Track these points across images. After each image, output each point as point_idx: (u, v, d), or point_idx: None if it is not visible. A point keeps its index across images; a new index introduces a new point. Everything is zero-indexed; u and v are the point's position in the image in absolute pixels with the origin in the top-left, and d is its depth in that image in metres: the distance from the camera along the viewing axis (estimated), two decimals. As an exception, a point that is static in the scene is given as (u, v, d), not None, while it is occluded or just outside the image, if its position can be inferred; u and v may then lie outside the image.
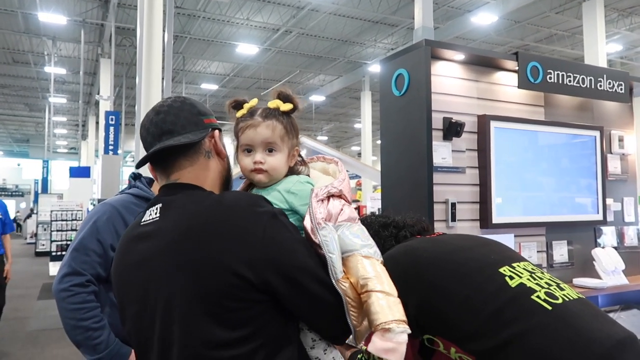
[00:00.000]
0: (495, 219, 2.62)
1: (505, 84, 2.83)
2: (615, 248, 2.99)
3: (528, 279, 1.30)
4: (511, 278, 1.29)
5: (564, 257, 2.86)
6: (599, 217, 2.99)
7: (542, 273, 1.37)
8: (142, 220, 1.25)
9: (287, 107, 1.32)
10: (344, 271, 1.17)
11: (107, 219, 1.85)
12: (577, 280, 2.76)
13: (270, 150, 1.28)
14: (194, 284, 1.08)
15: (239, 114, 1.34)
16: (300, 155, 1.38)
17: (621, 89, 3.07)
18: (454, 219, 2.52)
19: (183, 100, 1.30)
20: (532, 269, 1.38)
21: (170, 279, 1.12)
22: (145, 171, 1.61)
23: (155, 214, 1.21)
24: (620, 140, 3.15)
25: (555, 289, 1.29)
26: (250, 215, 1.12)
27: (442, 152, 2.53)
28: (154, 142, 1.24)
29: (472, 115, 2.68)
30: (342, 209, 1.24)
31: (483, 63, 2.77)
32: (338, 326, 1.17)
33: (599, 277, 2.78)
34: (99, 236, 1.82)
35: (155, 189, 1.91)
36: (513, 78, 2.80)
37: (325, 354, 1.25)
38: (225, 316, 1.07)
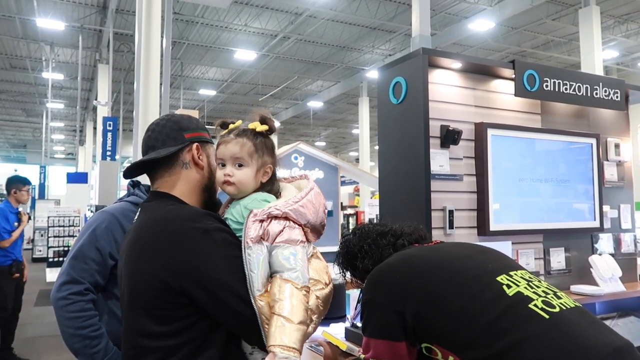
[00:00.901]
0: (493, 226, 2.63)
1: (502, 92, 2.84)
2: (612, 255, 3.00)
3: (525, 288, 1.31)
4: (508, 287, 1.30)
5: (561, 264, 2.87)
6: (596, 224, 3.01)
7: (539, 282, 1.38)
8: (134, 220, 1.48)
9: (262, 128, 1.46)
10: (265, 290, 1.27)
11: (106, 227, 1.85)
12: (575, 287, 2.77)
13: (240, 165, 1.42)
14: (133, 283, 1.31)
15: (222, 133, 1.49)
16: (274, 173, 1.49)
17: (617, 97, 3.09)
18: (451, 227, 2.53)
19: (169, 118, 1.49)
20: (529, 277, 1.38)
21: (126, 274, 1.35)
22: (144, 179, 1.69)
23: (137, 215, 1.44)
24: (617, 147, 3.17)
25: (552, 297, 1.30)
26: (182, 229, 1.28)
27: (439, 160, 2.54)
28: (143, 156, 1.45)
29: (469, 123, 2.70)
30: (281, 230, 1.33)
31: (480, 71, 2.78)
32: (255, 338, 1.28)
33: (596, 284, 2.79)
34: (97, 244, 1.82)
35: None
36: (510, 86, 2.82)
37: None
38: (154, 312, 1.26)
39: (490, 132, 2.69)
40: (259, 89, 21.72)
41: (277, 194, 1.47)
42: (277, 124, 1.53)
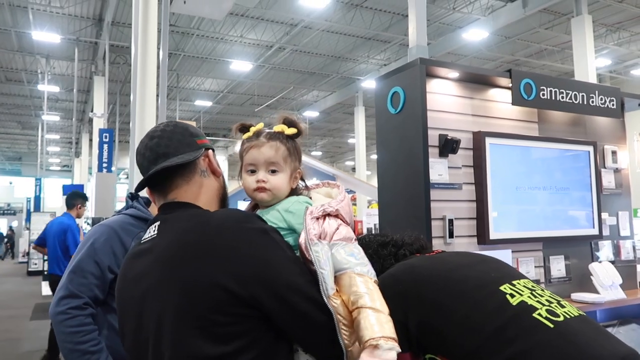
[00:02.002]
0: (493, 235, 2.63)
1: (499, 101, 2.86)
2: (612, 262, 3.00)
3: (529, 297, 1.30)
4: (512, 296, 1.29)
5: (561, 272, 2.87)
6: (595, 231, 3.01)
7: (543, 290, 1.38)
8: (143, 238, 1.29)
9: (291, 131, 1.38)
10: (336, 289, 1.17)
11: (105, 241, 1.83)
12: (575, 295, 2.76)
13: (273, 171, 1.33)
14: (184, 299, 1.11)
15: (246, 135, 1.39)
16: (302, 178, 1.42)
17: (613, 105, 3.11)
18: (451, 236, 2.53)
19: (175, 124, 1.37)
20: (532, 286, 1.38)
21: (162, 294, 1.15)
22: (143, 192, 1.63)
23: (154, 231, 1.25)
24: (614, 154, 3.18)
25: (556, 306, 1.30)
26: (238, 232, 1.15)
27: (438, 169, 2.55)
28: (150, 166, 1.29)
29: (467, 132, 2.71)
30: (337, 228, 1.26)
31: (477, 80, 2.80)
32: (329, 345, 1.16)
33: (596, 291, 2.79)
34: (96, 258, 1.81)
35: (153, 210, 1.90)
36: (507, 95, 2.83)
37: None
38: (213, 330, 1.08)
39: (488, 140, 2.70)
40: (255, 99, 21.78)
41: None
42: (303, 125, 1.44)
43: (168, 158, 1.27)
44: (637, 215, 9.47)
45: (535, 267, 2.79)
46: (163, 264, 1.17)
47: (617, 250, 3.12)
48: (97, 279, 1.80)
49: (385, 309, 1.18)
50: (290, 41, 16.03)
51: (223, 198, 1.38)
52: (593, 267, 2.84)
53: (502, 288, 1.32)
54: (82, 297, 1.76)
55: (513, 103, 2.80)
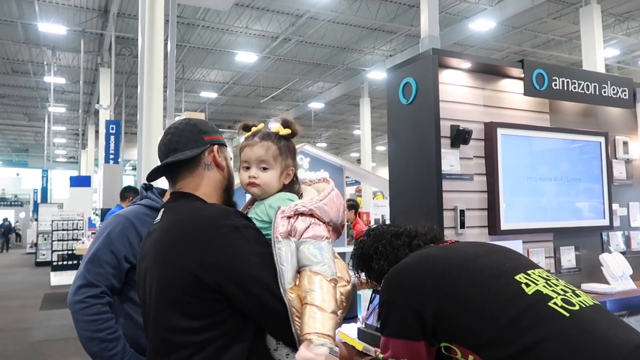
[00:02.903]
0: (504, 226, 2.63)
1: (511, 91, 2.85)
2: (623, 253, 2.99)
3: (544, 286, 1.31)
4: (527, 285, 1.30)
5: (571, 262, 2.87)
6: (606, 222, 3.01)
7: (557, 280, 1.38)
8: (155, 220, 1.50)
9: (285, 131, 1.52)
10: (295, 283, 1.31)
11: (121, 231, 1.86)
12: (586, 286, 2.77)
13: (264, 168, 1.48)
14: (163, 279, 1.32)
15: (246, 135, 1.54)
16: (295, 175, 1.55)
17: (625, 95, 3.10)
18: (463, 226, 2.53)
19: (187, 122, 1.55)
20: (547, 276, 1.39)
21: (153, 273, 1.36)
22: (157, 182, 1.75)
23: (160, 216, 1.47)
24: (625, 145, 3.17)
25: (571, 295, 1.30)
26: (213, 226, 1.32)
27: (450, 160, 2.55)
28: (164, 159, 1.50)
29: (479, 122, 2.70)
30: (308, 226, 1.38)
31: (489, 71, 2.79)
32: (284, 333, 1.30)
33: (607, 282, 2.79)
34: (112, 248, 1.83)
35: (167, 199, 1.93)
36: (518, 85, 2.82)
37: (287, 358, 1.36)
38: (184, 308, 1.28)
39: (500, 131, 2.70)
40: (260, 90, 21.75)
41: (299, 195, 1.52)
42: (298, 126, 1.57)
43: (177, 152, 1.46)
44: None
45: (545, 257, 2.80)
46: (157, 247, 1.37)
47: (627, 241, 3.11)
48: (114, 268, 1.82)
49: (330, 307, 1.29)
50: (296, 32, 15.96)
51: (227, 189, 1.54)
52: (604, 257, 2.84)
53: (517, 278, 1.33)
54: (99, 286, 1.79)
55: (525, 93, 2.79)
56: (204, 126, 1.55)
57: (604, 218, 3.01)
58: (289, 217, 1.38)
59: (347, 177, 8.65)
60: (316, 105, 23.61)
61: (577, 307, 1.25)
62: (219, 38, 16.50)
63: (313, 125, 26.31)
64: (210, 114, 24.51)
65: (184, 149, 1.47)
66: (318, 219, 1.42)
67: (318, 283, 1.30)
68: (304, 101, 23.89)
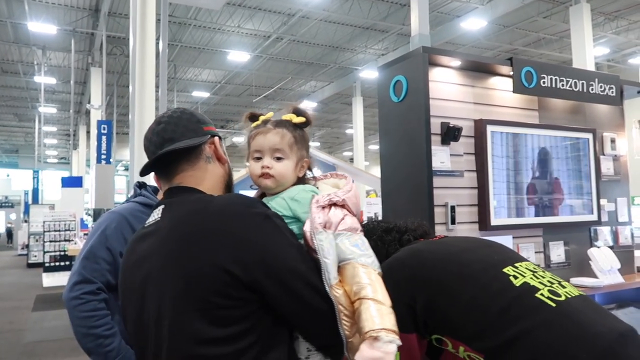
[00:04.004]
0: (494, 221, 2.67)
1: (501, 89, 2.89)
2: (611, 247, 3.05)
3: (531, 278, 1.34)
4: (515, 277, 1.33)
5: (560, 257, 2.92)
6: (594, 217, 3.06)
7: (544, 272, 1.42)
8: (147, 222, 1.31)
9: (299, 119, 1.40)
10: (339, 279, 1.18)
11: (116, 227, 1.87)
12: (574, 280, 2.81)
13: (279, 158, 1.34)
14: (187, 281, 1.11)
15: (254, 124, 1.41)
16: (309, 168, 1.43)
17: (612, 92, 3.14)
18: (453, 222, 2.57)
19: (182, 110, 1.39)
20: (534, 268, 1.42)
21: (165, 277, 1.15)
22: (150, 180, 1.67)
23: (158, 215, 1.27)
24: (613, 142, 3.22)
25: (557, 286, 1.34)
26: (242, 216, 1.16)
27: (440, 157, 2.58)
28: (157, 150, 1.30)
29: (469, 119, 2.74)
30: (343, 218, 1.27)
31: (478, 69, 2.82)
32: (329, 334, 1.17)
33: (595, 276, 2.84)
34: (108, 244, 1.84)
35: (160, 197, 1.93)
36: (508, 83, 2.86)
37: None
38: (215, 313, 1.09)
39: (490, 128, 2.73)
40: (253, 90, 21.73)
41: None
42: (311, 115, 1.45)
43: (174, 142, 1.28)
44: (634, 202, 9.56)
45: (535, 252, 2.84)
46: (167, 246, 1.17)
47: (615, 236, 3.17)
48: (109, 264, 1.83)
49: (387, 301, 1.18)
50: (288, 31, 15.97)
51: (228, 185, 1.39)
52: (592, 252, 2.88)
53: (505, 270, 1.36)
54: (95, 283, 1.80)
55: (514, 91, 2.82)
56: (200, 116, 1.40)
57: (593, 213, 3.06)
58: (322, 208, 1.26)
59: (339, 175, 8.67)
60: (309, 105, 23.64)
61: (563, 298, 1.29)
62: (211, 37, 16.48)
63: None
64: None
65: (182, 138, 1.30)
66: (348, 210, 1.32)
67: (368, 276, 1.18)
68: (296, 100, 23.89)
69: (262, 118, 1.41)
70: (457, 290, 1.33)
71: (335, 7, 14.44)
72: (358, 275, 1.17)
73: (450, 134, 2.59)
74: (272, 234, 1.16)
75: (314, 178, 1.45)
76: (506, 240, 2.69)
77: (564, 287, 1.35)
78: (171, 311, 1.12)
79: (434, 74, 2.65)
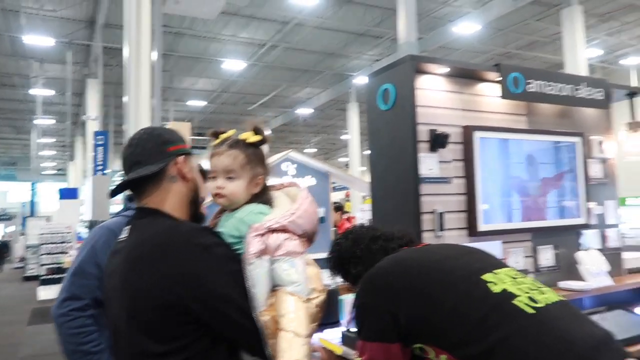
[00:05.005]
0: (483, 227, 2.69)
1: (489, 95, 2.91)
2: (599, 250, 3.06)
3: (511, 284, 1.36)
4: (494, 284, 1.35)
5: (549, 261, 2.93)
6: (583, 220, 3.08)
7: (524, 278, 1.43)
8: (120, 238, 1.44)
9: (254, 138, 1.48)
10: (270, 303, 1.29)
11: (104, 242, 1.88)
12: (563, 283, 2.83)
13: (231, 178, 1.43)
14: (132, 302, 1.27)
15: (213, 143, 1.49)
16: (265, 184, 1.50)
17: (600, 96, 3.17)
18: (442, 229, 2.59)
19: (151, 132, 1.48)
20: (515, 274, 1.43)
21: (121, 294, 1.31)
22: None
23: (126, 233, 1.41)
24: (601, 145, 3.25)
25: (537, 292, 1.35)
26: (181, 247, 1.27)
27: (428, 163, 2.60)
28: (127, 172, 1.43)
29: (457, 126, 2.76)
30: (281, 244, 1.34)
31: (466, 75, 2.85)
32: (259, 351, 1.29)
33: (584, 279, 2.86)
34: (97, 259, 1.85)
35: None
36: (496, 89, 2.88)
37: None
38: (155, 331, 1.23)
39: (478, 134, 2.76)
40: (249, 98, 21.77)
41: (270, 204, 1.48)
42: (268, 132, 1.54)
43: (140, 166, 1.39)
44: (624, 204, 9.60)
45: (524, 257, 2.86)
46: (124, 266, 1.31)
47: (603, 238, 3.18)
48: (98, 280, 1.84)
49: (303, 331, 1.28)
50: (283, 39, 16.02)
51: (193, 201, 1.47)
52: (580, 255, 2.90)
53: (484, 277, 1.37)
54: (83, 299, 1.81)
55: (502, 97, 2.84)
56: (168, 135, 1.48)
57: (581, 217, 3.08)
58: (261, 235, 1.33)
59: (333, 182, 8.69)
60: (304, 111, 23.67)
61: (541, 304, 1.30)
62: (206, 46, 16.53)
63: (302, 131, 26.37)
64: (199, 122, 24.49)
65: (147, 162, 1.40)
66: (292, 233, 1.39)
67: (294, 305, 1.28)
68: (292, 107, 23.94)
69: (221, 137, 1.49)
70: (440, 299, 1.34)
71: (329, 14, 14.50)
72: (281, 304, 1.27)
73: (437, 141, 2.62)
74: (207, 265, 1.26)
75: (268, 191, 1.52)
76: (495, 246, 2.71)
77: (543, 293, 1.36)
78: (124, 324, 1.29)
79: (422, 81, 2.68)
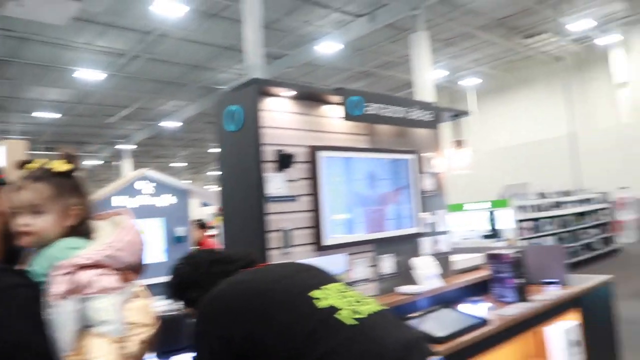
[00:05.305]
0: (328, 241, 2.86)
1: (333, 117, 3.11)
2: (433, 255, 3.43)
3: (337, 299, 1.47)
4: (321, 300, 1.45)
5: (390, 268, 3.21)
6: (418, 229, 3.43)
7: (351, 292, 1.56)
8: None
9: (64, 167, 1.36)
10: (79, 346, 1.19)
11: None
12: (399, 289, 3.12)
13: (37, 212, 1.30)
14: None
15: (19, 175, 1.35)
16: (82, 214, 1.38)
17: (429, 117, 3.57)
18: (290, 246, 2.70)
19: None
20: (342, 288, 1.55)
21: None
22: None
23: None
24: (431, 161, 3.65)
25: (360, 304, 1.48)
26: None
27: (276, 183, 2.71)
28: None
29: (303, 146, 2.91)
30: (92, 280, 1.24)
31: (312, 98, 3.02)
32: None
33: (418, 283, 3.18)
34: None
35: None
36: (339, 110, 3.09)
37: None
38: None
39: (322, 154, 2.94)
40: (108, 110, 20.44)
41: (90, 236, 1.37)
42: (81, 164, 1.42)
43: None
44: (462, 209, 10.84)
45: (368, 266, 3.10)
46: None
47: (436, 244, 3.57)
48: None
49: None
50: (146, 49, 15.34)
51: (6, 236, 1.32)
52: (414, 261, 3.23)
53: (312, 294, 1.46)
54: None
55: (345, 118, 3.06)
56: None
57: (417, 226, 3.43)
58: (68, 273, 1.22)
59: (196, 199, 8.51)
60: (172, 124, 22.87)
61: (363, 315, 1.43)
62: (58, 54, 15.19)
63: (169, 144, 25.41)
64: (50, 136, 22.36)
65: None
66: (107, 268, 1.29)
67: (102, 348, 1.19)
68: (157, 120, 22.98)
69: (27, 167, 1.35)
70: (273, 318, 1.39)
71: (194, 27, 14.24)
72: (90, 347, 1.19)
73: (284, 161, 2.74)
74: (4, 309, 1.14)
75: (89, 221, 1.40)
76: (341, 259, 2.90)
77: (367, 304, 1.50)
78: None
79: (269, 103, 2.79)
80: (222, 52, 16.45)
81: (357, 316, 1.41)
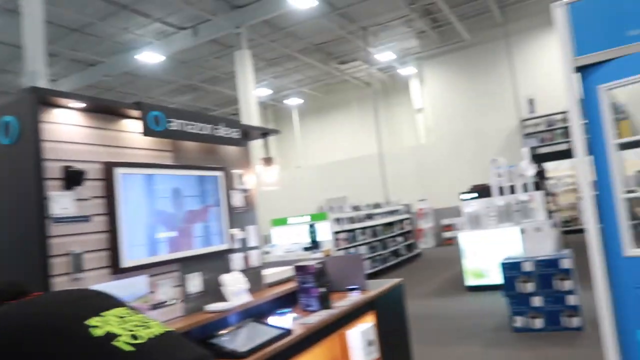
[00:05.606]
0: (127, 263, 2.68)
1: (132, 131, 2.95)
2: (244, 271, 3.46)
3: (116, 325, 1.38)
4: (98, 327, 1.35)
5: (198, 287, 3.14)
6: (228, 246, 3.43)
7: (134, 316, 1.48)
8: None
9: None
10: None
11: None
12: (208, 306, 3.07)
13: None
14: None
15: None
16: None
17: (237, 135, 3.61)
18: (80, 270, 2.47)
19: None
20: (123, 314, 1.47)
21: None
22: None
23: None
24: (241, 177, 3.70)
25: (142, 329, 1.41)
26: None
27: (63, 203, 2.45)
28: None
29: (97, 162, 2.70)
30: None
31: (107, 111, 2.83)
32: None
33: (227, 299, 3.17)
34: None
35: None
36: (139, 126, 2.94)
37: None
38: None
39: (120, 170, 2.76)
40: None
41: None
42: None
43: None
44: (286, 223, 11.28)
45: (173, 287, 2.98)
46: None
47: (246, 260, 3.61)
48: None
49: None
50: None
51: None
52: (223, 278, 3.22)
53: (88, 322, 1.36)
54: None
55: (144, 134, 2.92)
56: None
57: (226, 242, 3.42)
58: None
59: None
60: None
61: (143, 340, 1.36)
62: None
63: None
64: None
65: None
66: None
67: None
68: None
69: None
70: (46, 352, 1.26)
71: (-10, 24, 12.42)
72: None
73: (72, 178, 2.50)
74: None
75: None
76: (141, 281, 2.74)
77: (149, 327, 1.44)
78: None
79: (54, 115, 2.53)
80: (22, 53, 14.60)
81: (136, 341, 1.35)
